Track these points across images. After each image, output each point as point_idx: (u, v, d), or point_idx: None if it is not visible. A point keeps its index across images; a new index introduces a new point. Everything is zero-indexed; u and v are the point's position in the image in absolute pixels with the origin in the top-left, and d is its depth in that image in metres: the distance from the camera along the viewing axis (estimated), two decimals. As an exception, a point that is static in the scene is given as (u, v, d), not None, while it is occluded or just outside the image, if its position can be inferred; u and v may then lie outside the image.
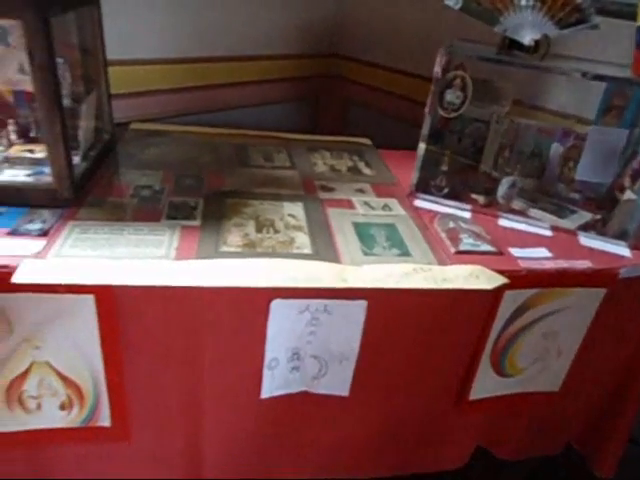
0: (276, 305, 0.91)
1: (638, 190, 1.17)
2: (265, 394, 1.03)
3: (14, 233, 0.91)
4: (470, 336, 1.08)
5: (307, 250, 0.98)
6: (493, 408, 1.22)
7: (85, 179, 1.11)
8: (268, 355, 0.98)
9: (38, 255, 0.86)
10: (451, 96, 1.16)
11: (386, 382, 1.09)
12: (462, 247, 1.06)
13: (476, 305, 1.02)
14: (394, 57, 1.98)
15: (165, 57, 1.64)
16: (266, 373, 1.00)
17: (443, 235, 1.11)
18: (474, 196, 1.29)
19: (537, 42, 1.14)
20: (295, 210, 1.12)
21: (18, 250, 0.86)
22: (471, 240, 1.09)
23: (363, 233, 1.07)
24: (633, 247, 1.16)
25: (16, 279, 0.79)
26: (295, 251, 0.97)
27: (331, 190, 1.24)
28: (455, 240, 1.08)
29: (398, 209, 1.19)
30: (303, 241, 1.00)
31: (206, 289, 0.86)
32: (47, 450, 1.01)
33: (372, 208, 1.18)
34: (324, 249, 0.99)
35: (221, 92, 1.84)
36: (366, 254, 1.00)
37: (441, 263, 1.00)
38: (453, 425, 1.22)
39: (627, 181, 1.19)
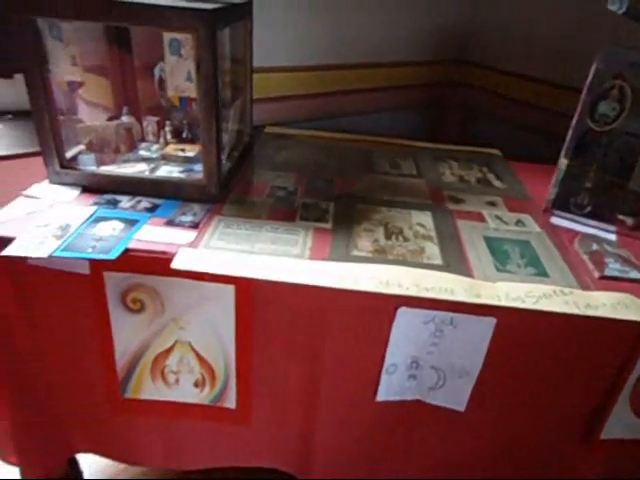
0: (402, 313, 0.91)
1: None
2: (380, 397, 1.03)
3: (171, 223, 1.02)
4: (608, 370, 0.98)
5: (437, 261, 0.97)
6: (625, 452, 1.10)
7: (228, 178, 1.21)
8: (388, 360, 0.99)
9: (191, 245, 0.95)
10: (605, 108, 1.07)
11: (506, 403, 1.04)
12: (608, 272, 0.97)
13: (619, 337, 0.93)
14: (527, 64, 1.87)
15: (301, 65, 1.72)
16: (384, 377, 1.01)
17: (585, 257, 1.03)
18: (621, 217, 1.17)
19: None
20: (423, 219, 1.11)
21: (174, 239, 0.96)
22: (618, 265, 1.00)
23: (496, 248, 1.03)
24: None
25: (175, 265, 0.88)
26: (425, 261, 0.96)
27: (460, 201, 1.21)
28: (600, 264, 1.00)
29: (533, 225, 1.13)
30: (433, 251, 0.99)
31: (336, 290, 0.89)
32: (179, 424, 1.12)
33: (504, 223, 1.13)
34: (455, 261, 0.97)
35: (349, 98, 1.89)
36: (499, 270, 0.96)
37: (584, 288, 0.93)
38: (576, 461, 1.13)
39: None
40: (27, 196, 1.07)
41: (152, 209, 1.06)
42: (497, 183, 1.34)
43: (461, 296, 0.86)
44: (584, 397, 1.03)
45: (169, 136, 1.33)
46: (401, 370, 1.01)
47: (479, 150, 1.57)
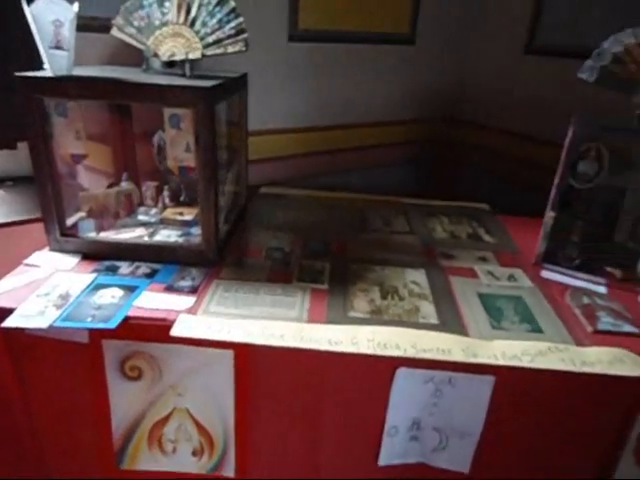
0: (401, 373, 0.92)
1: None
2: (383, 462, 1.02)
3: (170, 289, 1.03)
4: (609, 425, 0.98)
5: (433, 320, 0.98)
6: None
7: (226, 240, 1.24)
8: (389, 422, 0.98)
9: (190, 310, 0.96)
10: (585, 167, 1.13)
11: (511, 463, 1.03)
12: (601, 326, 0.99)
13: (620, 392, 0.93)
14: (515, 122, 1.97)
15: (295, 127, 1.80)
16: (385, 440, 1.00)
17: (577, 311, 1.05)
18: (609, 269, 1.21)
19: (683, 111, 1.08)
20: (417, 277, 1.14)
21: (174, 305, 0.97)
22: (610, 319, 1.01)
23: (489, 305, 1.04)
24: None
25: (174, 333, 0.89)
26: (421, 320, 0.98)
27: (452, 257, 1.24)
28: (592, 318, 1.02)
29: (524, 280, 1.16)
30: (428, 310, 1.01)
31: (335, 353, 0.89)
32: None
33: (496, 278, 1.15)
34: (450, 320, 0.98)
35: (342, 156, 1.97)
36: (494, 328, 0.97)
37: (578, 343, 0.94)
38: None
39: None
40: (28, 264, 1.09)
41: (151, 274, 1.08)
42: (487, 238, 1.38)
43: (459, 356, 0.87)
44: (588, 453, 1.02)
45: (167, 200, 1.37)
46: (402, 432, 1.00)
47: (468, 205, 1.62)
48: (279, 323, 0.93)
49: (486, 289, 1.11)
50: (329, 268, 1.15)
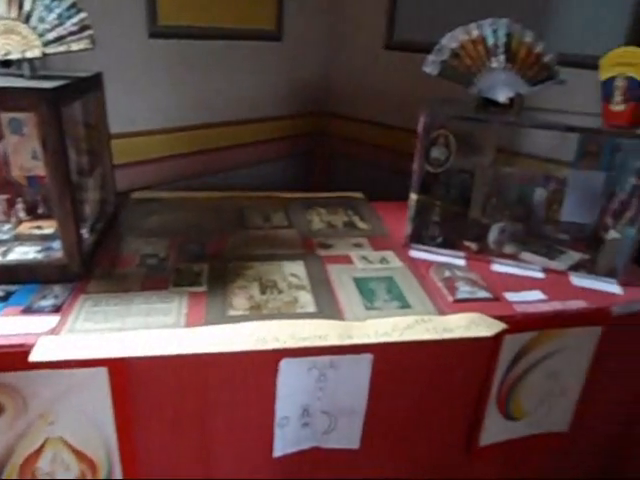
0: (285, 364, 0.94)
1: (621, 229, 1.23)
2: (277, 452, 1.03)
3: (28, 311, 0.94)
4: (475, 382, 1.10)
5: (311, 309, 1.01)
6: (505, 453, 1.22)
7: (93, 251, 1.16)
8: (279, 414, 1.00)
9: (53, 331, 0.89)
10: (436, 153, 1.24)
11: (396, 432, 1.10)
12: (459, 295, 1.10)
13: (478, 352, 1.05)
14: (379, 113, 2.09)
15: (166, 127, 1.73)
16: (277, 432, 1.01)
17: (440, 284, 1.15)
18: (466, 243, 1.34)
19: (512, 99, 1.23)
20: (296, 269, 1.16)
21: (33, 327, 0.89)
22: (467, 288, 1.13)
23: (363, 288, 1.11)
24: (623, 284, 1.21)
25: (33, 358, 0.81)
26: (300, 310, 1.01)
27: (329, 247, 1.29)
28: (452, 289, 1.12)
29: (395, 261, 1.24)
30: (306, 300, 1.04)
31: (216, 353, 0.88)
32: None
33: (370, 262, 1.22)
34: (327, 307, 1.02)
35: (220, 155, 1.93)
36: (368, 309, 1.03)
37: (441, 313, 1.03)
38: (465, 471, 1.22)
39: (609, 221, 1.26)
40: None
41: (5, 298, 0.98)
42: (361, 225, 1.45)
43: (334, 340, 0.92)
44: (461, 411, 1.13)
45: (22, 214, 1.24)
46: (294, 421, 1.02)
47: (344, 195, 1.69)
48: (155, 332, 0.90)
49: (361, 273, 1.17)
50: (207, 269, 1.14)
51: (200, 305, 1.00)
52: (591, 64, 1.23)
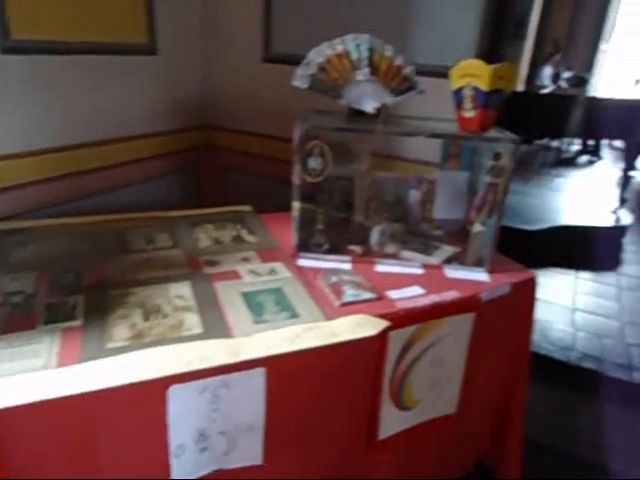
0: (173, 391, 0.91)
1: (483, 222, 1.36)
2: (177, 484, 0.99)
3: None
4: (368, 379, 1.15)
5: (198, 330, 0.99)
6: (403, 442, 1.29)
7: (-57, 296, 1.03)
8: (173, 443, 0.96)
9: None
10: (313, 163, 1.28)
11: (298, 440, 1.11)
12: (345, 299, 1.14)
13: (367, 350, 1.09)
14: (261, 124, 2.12)
15: (29, 150, 1.59)
16: (174, 462, 0.97)
17: (327, 290, 1.19)
18: (351, 247, 1.40)
19: (378, 109, 1.31)
20: (182, 290, 1.13)
21: None
22: (353, 291, 1.18)
23: (252, 302, 1.11)
24: (490, 271, 1.34)
25: None
26: (185, 333, 0.98)
27: (217, 263, 1.27)
28: (339, 293, 1.16)
29: (284, 272, 1.26)
30: (193, 321, 1.02)
31: (95, 391, 0.83)
32: None
33: (258, 275, 1.23)
34: (215, 326, 1.01)
35: (95, 176, 1.82)
36: (257, 322, 1.04)
37: (328, 318, 1.07)
38: (369, 467, 1.27)
39: (474, 215, 1.38)
40: None
41: None
42: (250, 238, 1.45)
43: (222, 359, 0.90)
44: (358, 409, 1.17)
45: None
46: (190, 447, 0.99)
47: (232, 209, 1.67)
48: (18, 378, 0.82)
49: (249, 287, 1.17)
50: (83, 301, 1.06)
51: (74, 341, 0.93)
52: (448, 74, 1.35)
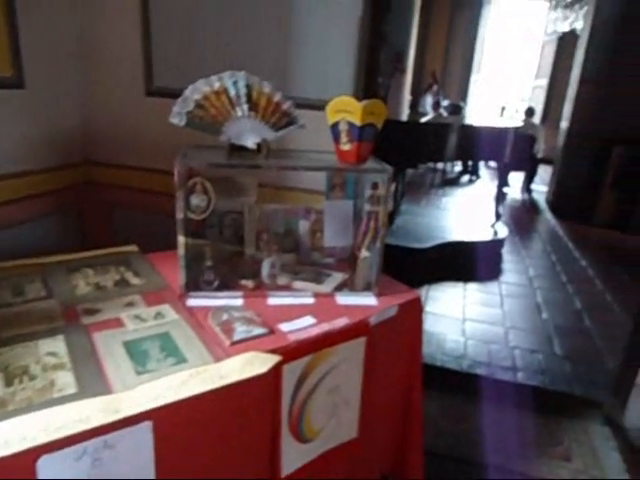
0: (44, 462, 0.82)
1: (369, 247, 1.42)
2: None
3: None
4: (265, 417, 1.12)
5: (71, 390, 0.91)
6: (307, 475, 1.28)
7: None
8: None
9: None
10: (196, 200, 1.25)
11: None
12: (236, 337, 1.12)
13: (260, 388, 1.07)
14: (145, 158, 2.05)
15: None
16: None
17: (217, 329, 1.16)
18: (243, 282, 1.38)
19: (259, 144, 1.33)
20: (55, 346, 1.04)
21: None
22: (244, 327, 1.16)
23: (135, 351, 1.04)
24: (378, 295, 1.40)
25: None
26: (57, 395, 0.89)
27: (97, 312, 1.19)
28: (229, 332, 1.14)
29: (171, 314, 1.20)
30: (66, 381, 0.93)
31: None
32: None
33: (143, 320, 1.16)
34: (91, 383, 0.93)
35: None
36: (140, 373, 0.98)
37: (217, 360, 1.04)
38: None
39: (360, 241, 1.44)
40: None
41: None
42: (135, 281, 1.37)
43: (99, 419, 0.84)
44: (258, 450, 1.14)
45: None
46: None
47: (116, 250, 1.58)
48: None
49: (132, 335, 1.10)
50: None
51: None
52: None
